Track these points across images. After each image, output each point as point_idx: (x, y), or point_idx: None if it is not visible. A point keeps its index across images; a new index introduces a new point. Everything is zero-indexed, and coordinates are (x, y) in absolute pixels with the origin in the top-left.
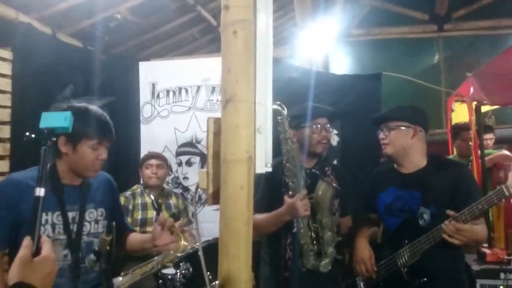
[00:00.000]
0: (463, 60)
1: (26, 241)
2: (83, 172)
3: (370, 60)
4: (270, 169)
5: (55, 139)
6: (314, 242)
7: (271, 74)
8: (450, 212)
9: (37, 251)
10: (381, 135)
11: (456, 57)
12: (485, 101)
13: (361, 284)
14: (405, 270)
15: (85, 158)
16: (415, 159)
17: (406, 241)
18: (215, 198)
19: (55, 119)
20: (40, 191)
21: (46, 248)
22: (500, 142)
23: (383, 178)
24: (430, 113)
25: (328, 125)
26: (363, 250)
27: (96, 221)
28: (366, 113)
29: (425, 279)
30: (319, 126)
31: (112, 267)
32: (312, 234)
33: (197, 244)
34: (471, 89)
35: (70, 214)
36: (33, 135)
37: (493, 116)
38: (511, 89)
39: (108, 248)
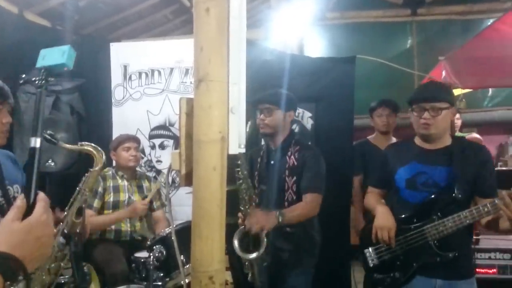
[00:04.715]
0: (436, 44)
1: (18, 201)
2: None
3: (344, 43)
4: (243, 150)
5: (52, 79)
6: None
7: (244, 53)
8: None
9: (30, 212)
10: (426, 115)
11: (429, 41)
12: (456, 85)
13: (373, 256)
14: (435, 243)
15: None
16: (446, 137)
17: (437, 216)
18: (188, 179)
19: (52, 56)
20: (36, 142)
21: (37, 209)
22: (471, 126)
23: (402, 153)
24: (403, 97)
25: (268, 109)
26: (387, 217)
27: (15, 199)
28: (340, 96)
29: (455, 253)
30: (258, 112)
31: (82, 250)
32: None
33: (170, 227)
34: (443, 73)
35: None
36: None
37: (464, 100)
38: (482, 73)
39: (77, 231)
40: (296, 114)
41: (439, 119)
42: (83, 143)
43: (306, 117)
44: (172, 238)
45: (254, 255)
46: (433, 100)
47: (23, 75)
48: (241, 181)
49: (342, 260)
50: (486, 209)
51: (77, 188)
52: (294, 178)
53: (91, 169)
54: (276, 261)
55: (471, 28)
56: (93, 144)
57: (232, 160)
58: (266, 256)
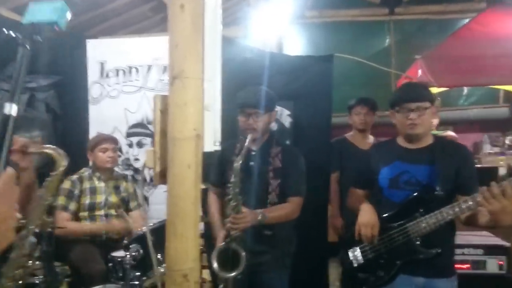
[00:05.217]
0: (413, 43)
1: None
2: None
3: (323, 42)
4: (218, 148)
5: (39, 37)
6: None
7: (220, 50)
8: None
9: None
10: (412, 115)
11: (406, 40)
12: (432, 83)
13: (357, 255)
14: (418, 241)
15: None
16: (428, 136)
17: (420, 213)
18: (163, 177)
19: (41, 11)
20: (12, 108)
21: None
22: (446, 124)
23: (385, 153)
24: (380, 95)
25: (257, 113)
26: (371, 214)
27: None
28: (318, 94)
29: (438, 250)
30: (244, 115)
31: (53, 250)
32: None
33: (146, 226)
34: (419, 72)
35: None
36: (12, 33)
37: (439, 98)
38: (457, 72)
39: (49, 230)
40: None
41: (424, 118)
42: (43, 145)
43: (284, 115)
44: (147, 236)
45: (233, 274)
46: (418, 100)
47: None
48: (230, 197)
49: (319, 257)
50: (467, 205)
51: (38, 194)
52: (279, 180)
53: (52, 173)
54: (254, 262)
55: (447, 27)
56: (54, 147)
57: (226, 174)
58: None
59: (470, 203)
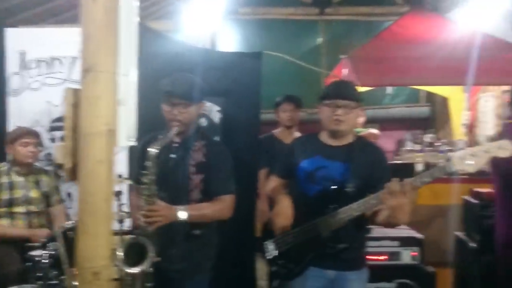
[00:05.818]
0: (342, 43)
1: None
2: None
3: (256, 39)
4: (133, 143)
5: None
6: None
7: (136, 43)
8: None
9: None
10: (339, 112)
11: (335, 40)
12: (356, 83)
13: (272, 249)
14: (327, 235)
15: None
16: (349, 135)
17: (330, 209)
18: (73, 173)
19: None
20: None
21: None
22: (372, 122)
23: (307, 146)
24: (310, 93)
25: (183, 104)
26: (287, 206)
27: None
28: (247, 91)
29: (346, 245)
30: (169, 104)
31: None
32: None
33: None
34: (344, 71)
35: None
36: None
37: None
38: (378, 72)
39: None
40: (204, 107)
41: (350, 117)
42: None
43: (214, 111)
44: (60, 235)
45: (138, 269)
46: (347, 98)
47: None
48: (146, 186)
49: (247, 253)
50: (372, 202)
51: None
52: (202, 175)
53: None
54: (171, 268)
55: (374, 29)
56: None
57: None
58: (151, 276)
59: (374, 201)
